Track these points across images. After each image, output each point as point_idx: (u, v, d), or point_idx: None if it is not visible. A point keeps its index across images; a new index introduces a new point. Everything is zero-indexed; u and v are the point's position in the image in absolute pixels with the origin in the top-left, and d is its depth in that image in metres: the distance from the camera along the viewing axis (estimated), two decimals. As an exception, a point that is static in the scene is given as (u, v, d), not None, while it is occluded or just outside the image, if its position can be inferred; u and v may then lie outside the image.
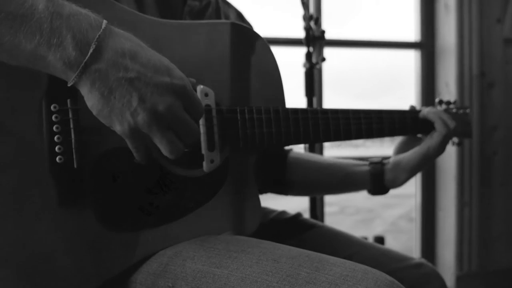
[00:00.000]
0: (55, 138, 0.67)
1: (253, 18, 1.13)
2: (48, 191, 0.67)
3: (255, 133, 0.82)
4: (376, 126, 0.97)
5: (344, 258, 0.97)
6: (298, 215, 1.15)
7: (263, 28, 1.13)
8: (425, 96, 2.56)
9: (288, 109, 0.86)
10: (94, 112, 0.61)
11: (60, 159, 0.67)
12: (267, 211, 1.15)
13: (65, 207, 0.68)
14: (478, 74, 2.42)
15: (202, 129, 0.77)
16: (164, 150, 0.64)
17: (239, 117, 0.81)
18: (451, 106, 1.15)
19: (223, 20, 0.98)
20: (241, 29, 0.84)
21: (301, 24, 1.63)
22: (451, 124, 1.02)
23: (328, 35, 1.62)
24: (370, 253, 0.99)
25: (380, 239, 2.31)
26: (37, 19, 0.57)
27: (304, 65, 1.63)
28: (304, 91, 1.64)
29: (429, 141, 1.02)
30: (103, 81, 0.59)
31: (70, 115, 0.68)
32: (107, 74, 0.59)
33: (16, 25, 0.56)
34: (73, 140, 0.68)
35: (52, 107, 0.68)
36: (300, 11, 1.60)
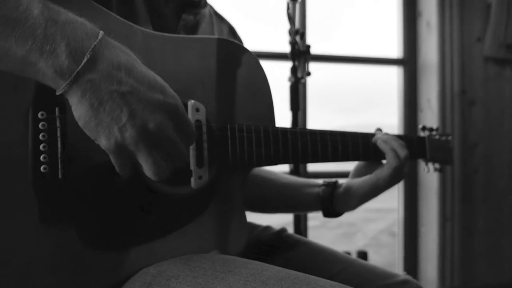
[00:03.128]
0: (41, 146, 0.65)
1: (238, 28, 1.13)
2: (30, 205, 0.64)
3: (244, 152, 0.81)
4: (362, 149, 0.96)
5: (331, 275, 0.97)
6: (282, 231, 1.13)
7: (249, 42, 1.13)
8: (407, 113, 2.59)
9: (278, 128, 0.85)
10: (81, 123, 0.58)
11: (44, 168, 0.65)
12: (252, 226, 1.13)
13: (47, 223, 0.65)
14: (459, 92, 2.46)
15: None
16: (148, 171, 0.61)
17: (229, 135, 0.80)
18: (434, 133, 1.13)
19: (214, 36, 0.97)
20: (232, 46, 0.84)
21: (285, 38, 1.64)
22: (402, 153, 0.95)
23: (312, 50, 1.63)
24: (356, 270, 0.98)
25: (363, 254, 2.30)
26: (31, 24, 0.55)
27: (289, 79, 1.63)
28: (289, 105, 1.64)
29: (379, 172, 0.96)
30: (95, 92, 0.56)
31: (58, 124, 0.66)
32: (100, 86, 0.56)
33: (8, 29, 0.54)
34: (59, 150, 0.66)
35: (39, 115, 0.65)
36: (282, 25, 1.61)
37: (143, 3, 0.84)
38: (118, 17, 0.73)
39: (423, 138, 1.11)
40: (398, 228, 2.66)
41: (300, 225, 1.73)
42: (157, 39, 0.76)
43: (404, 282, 0.97)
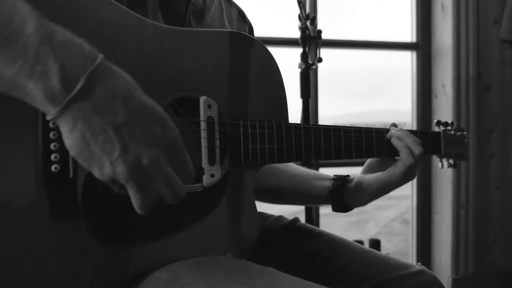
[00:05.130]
0: (52, 145, 0.62)
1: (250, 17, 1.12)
2: (40, 201, 0.63)
3: (257, 149, 0.80)
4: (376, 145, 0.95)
5: (343, 266, 0.96)
6: (295, 220, 1.12)
7: (258, 28, 1.11)
8: (421, 98, 2.54)
9: (291, 125, 0.84)
10: (72, 153, 0.55)
11: (55, 168, 0.63)
12: (264, 217, 1.12)
13: (57, 218, 0.64)
14: (475, 76, 2.40)
15: (203, 142, 0.74)
16: (135, 204, 0.58)
17: (241, 132, 0.78)
18: (449, 127, 1.11)
19: (226, 30, 0.96)
20: (245, 39, 0.82)
21: (295, 23, 1.60)
22: (416, 151, 0.93)
23: (323, 36, 1.59)
24: (370, 261, 0.96)
25: (376, 242, 2.28)
26: (23, 42, 0.51)
27: (300, 66, 1.60)
28: (299, 92, 1.61)
29: (392, 170, 0.93)
30: (87, 122, 0.53)
31: None
32: (92, 116, 0.53)
33: None
34: None
35: None
36: (293, 9, 1.57)
37: None
38: (129, 11, 0.70)
39: (438, 133, 1.08)
40: (411, 216, 2.64)
41: (312, 212, 1.72)
42: (168, 33, 0.74)
43: (419, 272, 0.95)
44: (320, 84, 2.28)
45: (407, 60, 2.61)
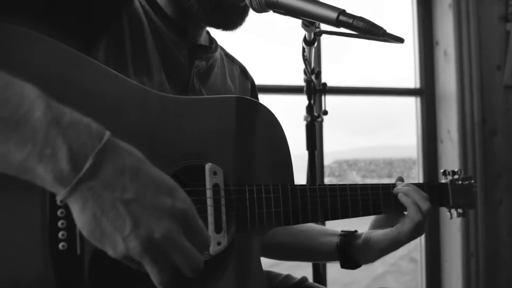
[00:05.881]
0: (59, 223, 0.63)
1: (254, 64, 1.15)
2: (48, 279, 0.63)
3: (263, 213, 0.80)
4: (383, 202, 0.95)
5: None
6: (303, 280, 1.10)
7: (263, 76, 1.13)
8: (426, 143, 2.54)
9: (296, 187, 0.85)
10: (85, 233, 0.55)
11: (63, 246, 0.63)
12: (272, 276, 1.10)
13: None
14: (480, 121, 2.41)
15: (209, 210, 0.75)
16: (154, 279, 0.57)
17: (247, 197, 0.79)
18: (456, 176, 1.12)
19: (230, 95, 0.98)
20: (248, 103, 0.84)
21: (300, 72, 1.62)
22: (424, 207, 0.92)
23: (328, 83, 1.60)
24: None
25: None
26: (31, 127, 0.52)
27: (305, 119, 1.61)
28: (305, 145, 1.61)
29: (401, 227, 0.93)
30: (96, 200, 0.53)
31: None
32: (101, 194, 0.53)
33: (7, 131, 0.51)
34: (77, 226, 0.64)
35: None
36: (297, 57, 1.59)
37: (156, 51, 0.84)
38: (134, 82, 0.73)
39: (446, 184, 1.08)
40: (420, 259, 2.59)
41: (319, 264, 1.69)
42: (173, 102, 0.76)
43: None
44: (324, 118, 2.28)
45: (410, 101, 2.62)
